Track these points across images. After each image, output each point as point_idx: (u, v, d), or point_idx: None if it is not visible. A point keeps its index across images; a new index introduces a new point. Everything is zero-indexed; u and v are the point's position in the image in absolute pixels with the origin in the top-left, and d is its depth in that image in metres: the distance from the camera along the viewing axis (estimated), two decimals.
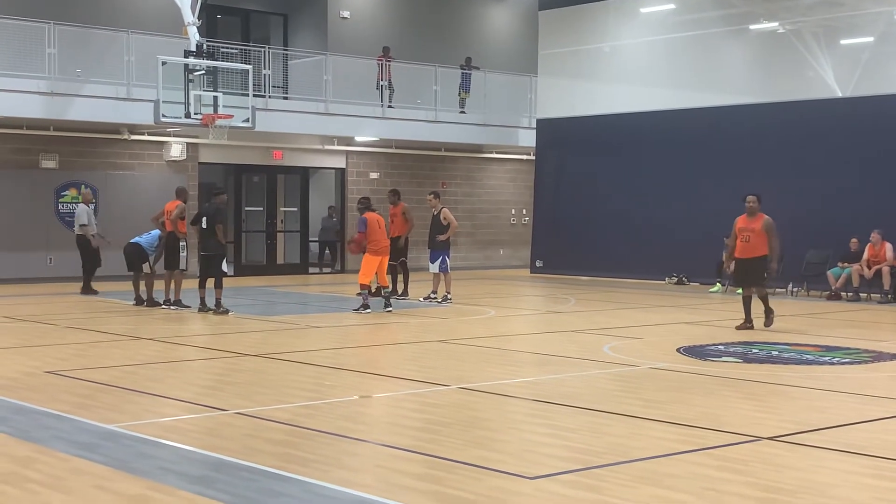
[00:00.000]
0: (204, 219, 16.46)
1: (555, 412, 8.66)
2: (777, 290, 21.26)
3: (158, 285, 17.49)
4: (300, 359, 11.58)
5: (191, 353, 12.34)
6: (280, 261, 27.09)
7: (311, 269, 27.31)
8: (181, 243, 17.06)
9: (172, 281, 17.27)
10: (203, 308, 16.48)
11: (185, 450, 7.14)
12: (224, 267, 16.50)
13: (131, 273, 17.68)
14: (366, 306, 16.50)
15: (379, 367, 11.61)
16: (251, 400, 9.04)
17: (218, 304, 16.29)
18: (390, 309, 16.72)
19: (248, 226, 27.05)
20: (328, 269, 27.51)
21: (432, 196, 19.10)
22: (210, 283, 16.48)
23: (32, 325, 14.94)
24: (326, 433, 7.69)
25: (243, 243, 26.65)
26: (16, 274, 22.12)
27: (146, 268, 17.35)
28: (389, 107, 26.31)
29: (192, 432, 7.76)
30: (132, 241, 17.53)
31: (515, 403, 9.13)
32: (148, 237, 17.44)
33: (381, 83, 26.13)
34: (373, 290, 17.21)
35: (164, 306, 17.22)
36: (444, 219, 18.56)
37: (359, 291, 16.72)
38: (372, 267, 16.65)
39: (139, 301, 17.56)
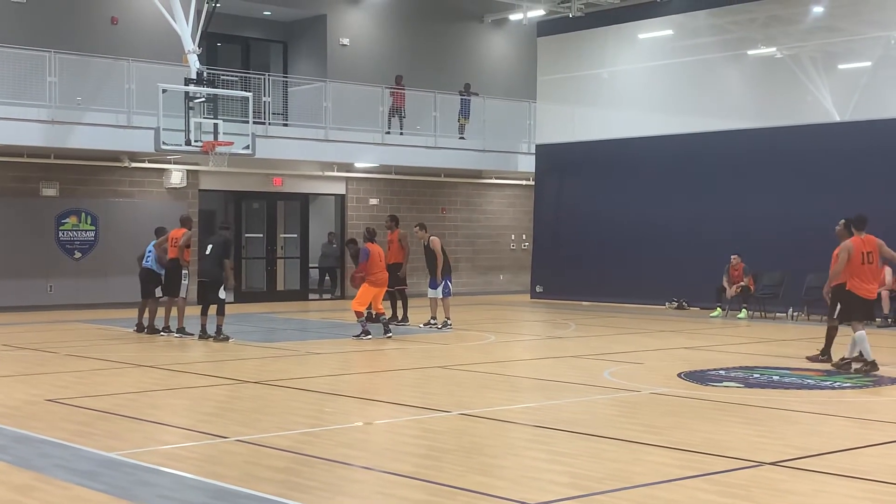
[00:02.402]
0: (210, 246, 16.47)
1: (555, 438, 8.65)
2: (778, 314, 21.28)
3: (160, 313, 17.50)
4: (300, 385, 11.56)
5: (191, 380, 12.32)
6: (280, 287, 27.09)
7: (311, 296, 27.29)
8: (183, 271, 17.07)
9: (174, 308, 17.27)
10: (203, 335, 16.47)
11: (185, 477, 7.13)
12: (222, 294, 16.42)
13: (140, 299, 17.61)
14: (366, 332, 16.49)
15: (379, 394, 11.59)
16: (252, 427, 9.02)
17: (219, 330, 16.29)
18: (390, 335, 16.72)
19: (249, 252, 27.07)
20: (328, 296, 27.49)
21: (418, 228, 19.14)
22: (212, 309, 16.47)
23: (33, 352, 14.93)
24: (327, 460, 7.68)
25: (243, 270, 26.65)
26: (16, 302, 22.10)
27: (158, 292, 17.33)
28: (400, 133, 26.51)
29: (192, 460, 7.75)
30: (145, 265, 17.49)
31: (516, 429, 9.12)
32: (151, 257, 17.42)
33: (396, 109, 26.40)
34: (373, 316, 17.22)
35: (163, 333, 17.21)
36: (433, 248, 18.58)
37: (357, 319, 16.71)
38: (368, 296, 16.64)
39: (140, 328, 17.54)
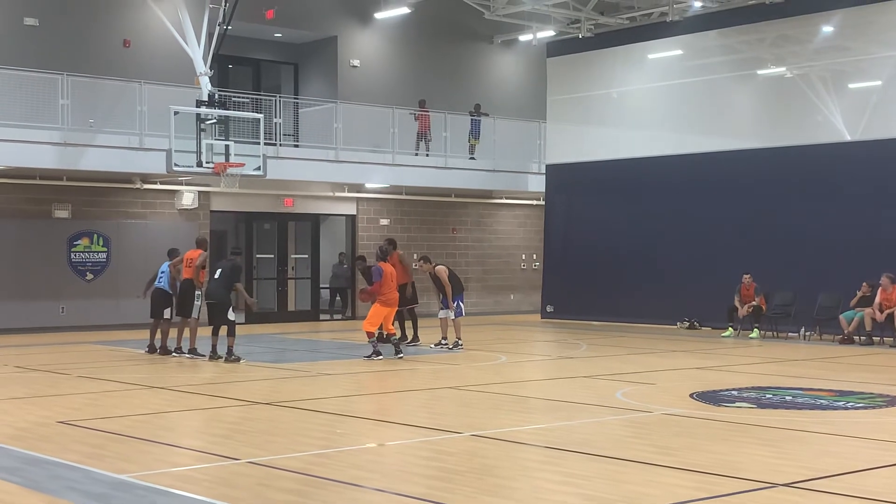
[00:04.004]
0: (219, 270, 16.56)
1: (567, 459, 8.62)
2: (790, 334, 21.21)
3: (172, 333, 17.52)
4: (312, 407, 11.55)
5: (203, 401, 12.32)
6: (291, 308, 27.11)
7: (321, 316, 27.31)
8: (196, 292, 17.10)
9: (186, 329, 17.30)
10: (214, 356, 16.49)
11: (197, 500, 7.11)
12: (231, 316, 16.46)
13: (151, 320, 17.64)
14: (377, 353, 16.48)
15: (391, 415, 11.58)
16: (263, 448, 9.01)
17: (230, 351, 16.30)
18: (401, 355, 16.70)
19: (260, 273, 27.11)
20: (339, 316, 27.51)
21: (423, 262, 19.11)
22: (223, 330, 16.49)
23: (44, 374, 14.95)
24: (339, 482, 7.66)
25: (254, 290, 26.68)
26: (28, 323, 22.17)
27: (167, 313, 17.35)
28: (427, 155, 26.66)
29: (204, 482, 7.74)
30: (157, 285, 17.53)
31: (528, 450, 9.09)
32: (164, 277, 17.45)
33: (421, 133, 26.57)
34: (384, 337, 17.22)
35: (174, 354, 17.23)
36: (439, 276, 18.53)
37: (368, 339, 16.72)
38: (379, 317, 16.63)
39: (152, 349, 17.56)
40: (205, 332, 17.36)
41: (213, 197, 25.00)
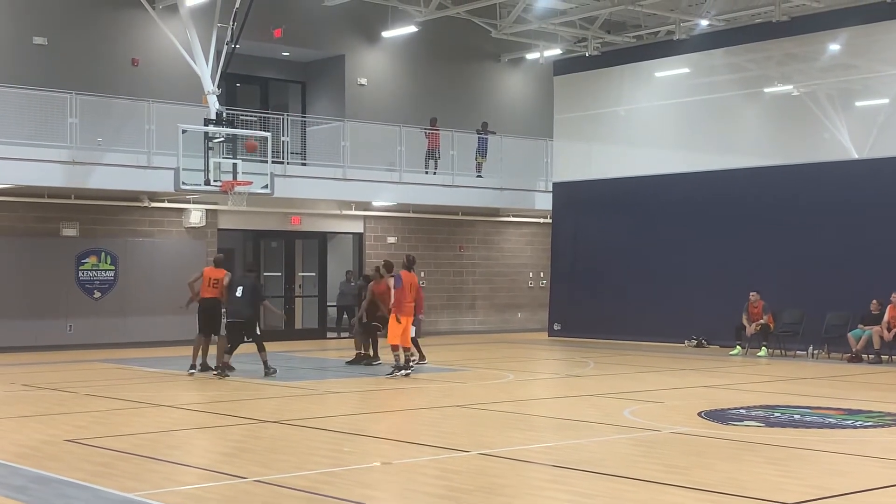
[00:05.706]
0: (240, 288, 16.71)
1: (575, 478, 8.60)
2: (798, 352, 21.16)
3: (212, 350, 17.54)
4: (319, 425, 11.55)
5: (210, 419, 12.32)
6: (298, 326, 27.11)
7: (329, 334, 27.30)
8: (222, 310, 17.20)
9: (201, 347, 17.35)
10: (223, 373, 16.50)
11: None
12: (258, 331, 16.78)
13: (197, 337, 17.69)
14: (398, 368, 16.55)
15: (398, 433, 11.57)
16: (270, 467, 9.01)
17: (266, 365, 16.55)
18: (409, 372, 16.73)
19: (267, 291, 27.05)
20: (346, 334, 27.47)
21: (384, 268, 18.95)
22: (252, 347, 16.67)
23: (52, 392, 14.96)
24: (347, 501, 7.65)
25: (262, 309, 26.66)
26: (36, 341, 22.19)
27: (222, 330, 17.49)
28: (434, 173, 26.73)
29: (211, 501, 7.73)
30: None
31: (535, 469, 9.08)
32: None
33: (431, 151, 26.65)
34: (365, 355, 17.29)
35: (192, 371, 17.14)
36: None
37: (393, 353, 16.73)
38: (398, 329, 16.67)
39: (205, 367, 17.44)
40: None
41: (221, 215, 25.05)
